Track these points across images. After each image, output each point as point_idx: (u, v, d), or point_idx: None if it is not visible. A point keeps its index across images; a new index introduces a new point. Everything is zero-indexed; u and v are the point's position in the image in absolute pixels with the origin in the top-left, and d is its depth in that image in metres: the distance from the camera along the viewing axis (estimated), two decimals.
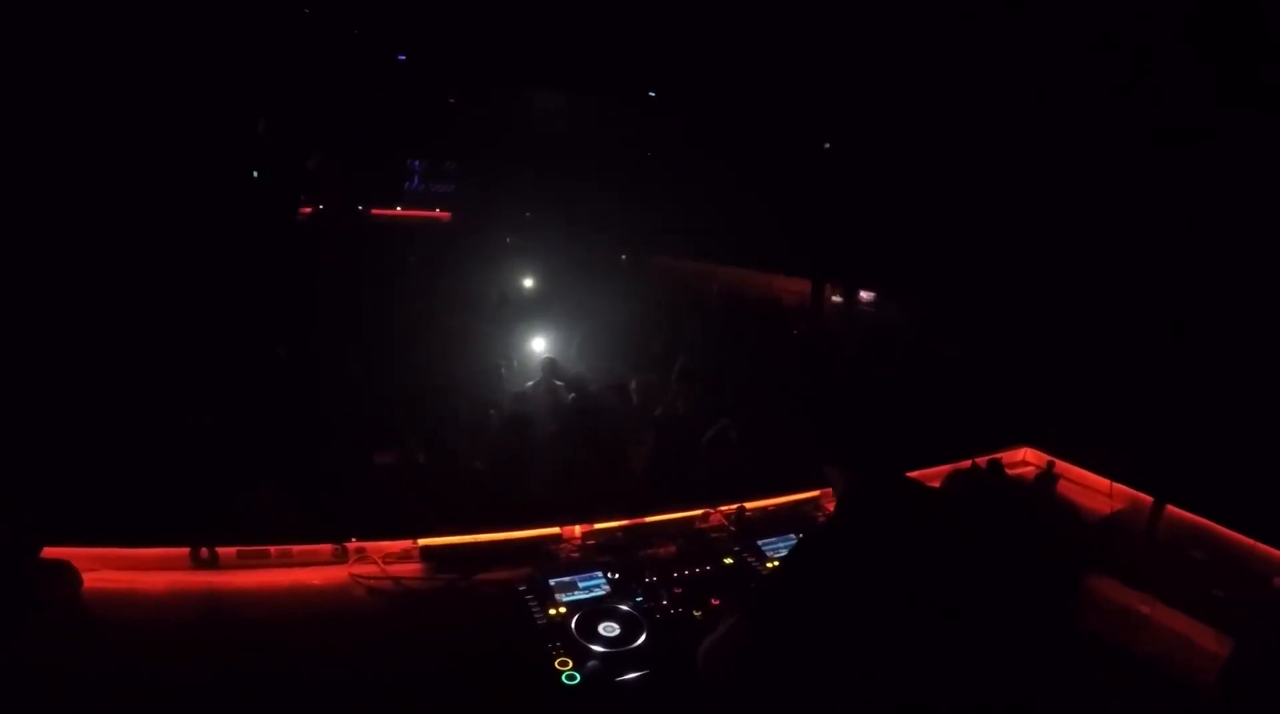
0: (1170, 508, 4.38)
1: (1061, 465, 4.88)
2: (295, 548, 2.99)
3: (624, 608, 2.70)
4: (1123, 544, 4.27)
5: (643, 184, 13.55)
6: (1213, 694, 3.10)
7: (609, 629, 2.58)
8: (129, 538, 2.89)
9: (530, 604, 2.67)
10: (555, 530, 3.30)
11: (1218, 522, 4.29)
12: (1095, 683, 3.37)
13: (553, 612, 2.64)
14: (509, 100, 15.48)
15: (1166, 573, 3.89)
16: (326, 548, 3.01)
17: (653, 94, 12.57)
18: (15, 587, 2.55)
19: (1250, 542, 4.13)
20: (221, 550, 2.91)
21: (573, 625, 2.57)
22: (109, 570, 2.80)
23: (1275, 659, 2.89)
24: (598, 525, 3.38)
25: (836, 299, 12.86)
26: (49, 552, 2.70)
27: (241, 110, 11.93)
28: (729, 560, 3.15)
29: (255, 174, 13.17)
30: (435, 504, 4.25)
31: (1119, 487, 4.63)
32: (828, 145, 12.34)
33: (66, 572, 2.67)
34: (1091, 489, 4.79)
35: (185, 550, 2.91)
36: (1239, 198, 6.95)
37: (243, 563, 2.93)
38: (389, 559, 3.03)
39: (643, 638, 2.57)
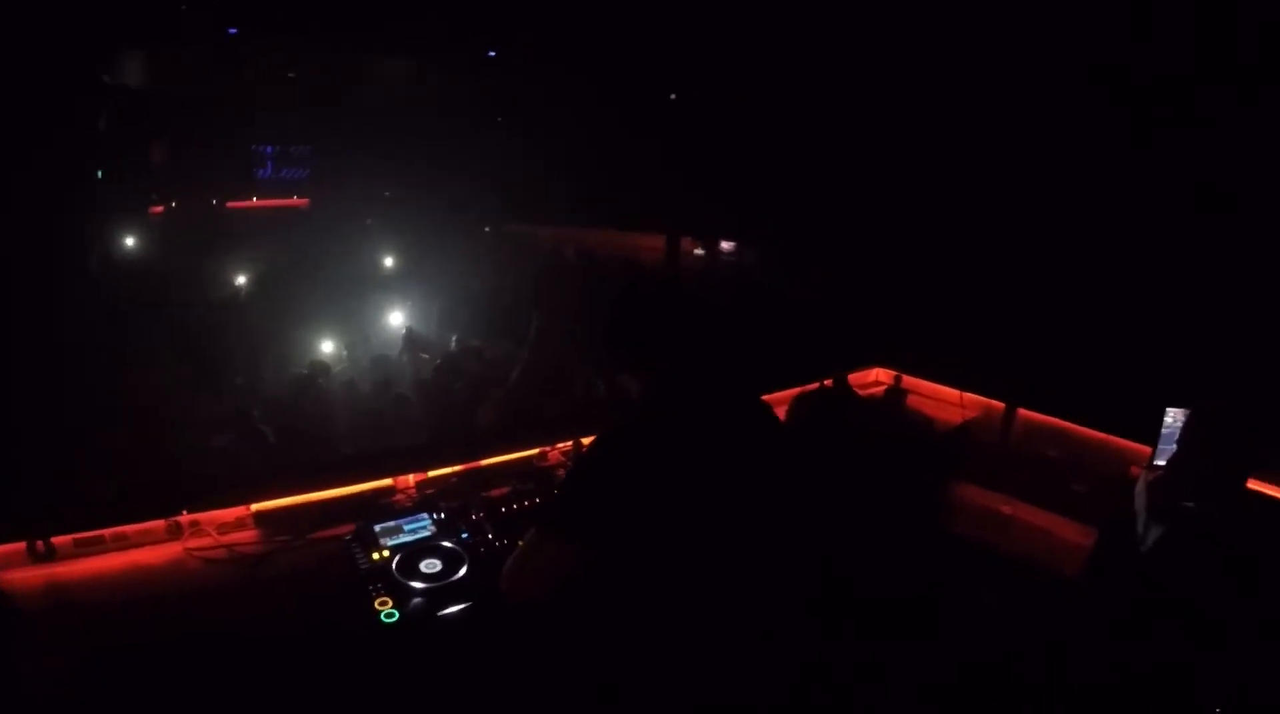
0: (1022, 411, 4.66)
1: (912, 380, 5.11)
2: (130, 529, 2.98)
3: (447, 545, 2.81)
4: (978, 450, 4.54)
5: (495, 152, 13.49)
6: (1079, 582, 3.29)
7: (430, 566, 2.68)
8: None
9: (355, 552, 2.76)
10: (389, 482, 3.38)
11: (1069, 420, 4.54)
12: (958, 579, 3.59)
13: (375, 556, 2.72)
14: (349, 73, 15.18)
15: (1024, 474, 4.20)
16: (161, 525, 3.01)
17: (492, 54, 12.43)
18: None
19: (1103, 436, 4.38)
20: (57, 541, 2.88)
21: (394, 566, 2.67)
22: None
23: (1137, 544, 3.00)
24: (432, 473, 3.47)
25: (699, 252, 13.11)
26: None
27: (79, 105, 11.42)
28: (557, 490, 3.23)
29: (100, 173, 12.67)
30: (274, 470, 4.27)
31: (970, 396, 4.87)
32: (674, 96, 12.46)
33: None
34: (943, 401, 5.03)
35: (21, 545, 2.86)
36: (1055, 99, 7.24)
37: (80, 551, 2.91)
38: (224, 529, 3.06)
39: (463, 570, 2.68)
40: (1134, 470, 3.95)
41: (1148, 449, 3.90)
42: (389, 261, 11.84)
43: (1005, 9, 7.64)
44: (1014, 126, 7.55)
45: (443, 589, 2.61)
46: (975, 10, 7.95)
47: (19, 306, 7.55)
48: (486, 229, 14.31)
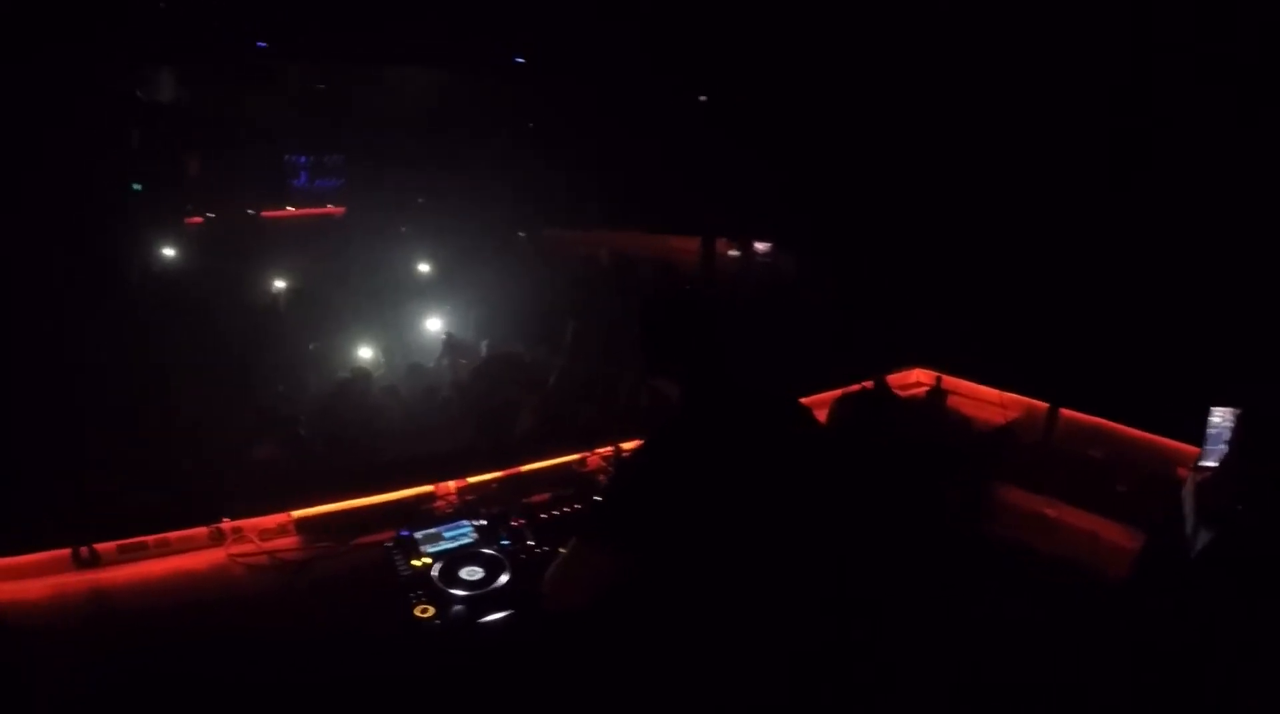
0: (1065, 411, 4.55)
1: (953, 381, 5.03)
2: (172, 536, 2.99)
3: (488, 552, 2.79)
4: (1021, 451, 4.45)
5: (527, 157, 13.52)
6: (1126, 585, 3.24)
7: (472, 573, 2.67)
8: (4, 546, 2.83)
9: (396, 559, 2.75)
10: (429, 489, 3.36)
11: (1113, 420, 4.44)
12: (995, 578, 3.53)
13: (416, 563, 2.71)
14: (379, 81, 15.30)
15: (1068, 475, 4.10)
16: (203, 532, 3.03)
17: (520, 60, 12.44)
18: None
19: (1149, 436, 4.28)
20: (100, 547, 2.90)
21: (434, 573, 2.65)
22: None
23: (1185, 548, 2.99)
24: (472, 480, 3.45)
25: (734, 253, 13.04)
26: None
27: (113, 120, 11.58)
28: (600, 498, 3.19)
29: (137, 187, 12.86)
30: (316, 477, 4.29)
31: (1011, 396, 4.81)
32: (704, 98, 12.41)
33: None
34: (984, 401, 4.95)
35: (66, 552, 2.88)
36: (1098, 95, 7.10)
37: (123, 557, 2.93)
38: (266, 535, 3.07)
39: (505, 578, 2.66)
40: (1181, 471, 3.88)
41: (1195, 449, 3.80)
42: (425, 268, 11.91)
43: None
44: (1056, 124, 7.43)
45: (484, 596, 2.58)
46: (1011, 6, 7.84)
47: (59, 317, 7.67)
48: (521, 234, 14.35)
